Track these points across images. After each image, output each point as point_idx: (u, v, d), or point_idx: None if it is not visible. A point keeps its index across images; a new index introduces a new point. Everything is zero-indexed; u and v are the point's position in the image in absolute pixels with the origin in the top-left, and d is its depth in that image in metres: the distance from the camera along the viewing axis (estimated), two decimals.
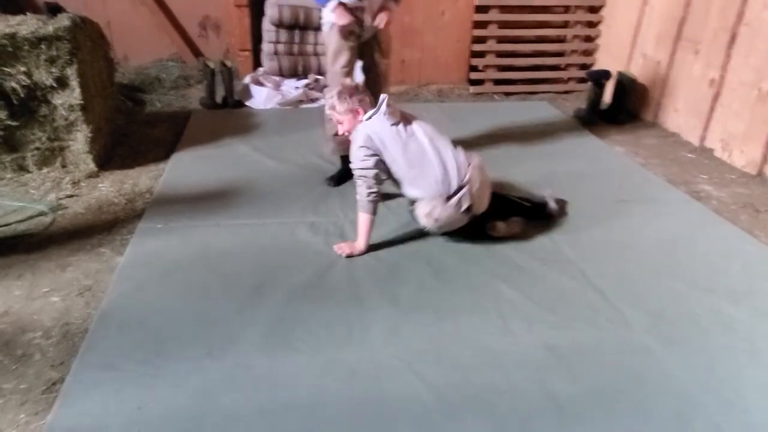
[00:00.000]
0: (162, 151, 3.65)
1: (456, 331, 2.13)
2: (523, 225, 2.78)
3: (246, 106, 4.54)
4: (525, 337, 2.10)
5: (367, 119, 2.59)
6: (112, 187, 3.17)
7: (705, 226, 2.94)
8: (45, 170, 3.24)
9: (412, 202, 2.64)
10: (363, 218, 2.58)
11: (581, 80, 4.99)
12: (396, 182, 2.65)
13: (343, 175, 3.27)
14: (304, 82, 4.78)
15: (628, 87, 4.35)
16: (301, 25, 4.84)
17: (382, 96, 2.62)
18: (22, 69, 2.98)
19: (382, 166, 2.55)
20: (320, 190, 3.18)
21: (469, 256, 2.60)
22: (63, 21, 3.09)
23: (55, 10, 3.22)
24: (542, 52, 5.05)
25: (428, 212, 2.52)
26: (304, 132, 4.02)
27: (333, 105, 2.64)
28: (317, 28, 4.89)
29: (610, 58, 4.85)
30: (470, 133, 3.99)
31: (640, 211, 3.06)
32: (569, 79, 5.10)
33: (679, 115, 4.12)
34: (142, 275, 2.39)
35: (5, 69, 2.96)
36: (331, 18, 3.02)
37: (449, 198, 2.52)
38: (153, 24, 5.19)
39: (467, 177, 2.54)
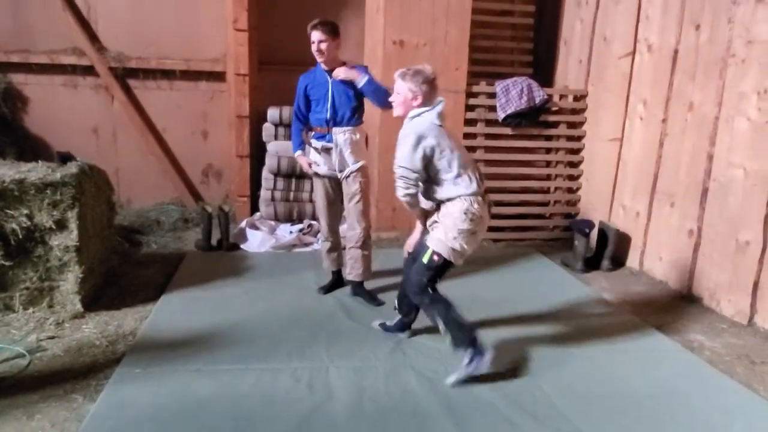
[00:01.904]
0: (152, 293, 3.65)
1: None
2: None
3: (240, 249, 4.64)
4: None
5: (415, 116, 2.67)
6: (96, 329, 3.12)
7: (701, 379, 2.86)
8: (31, 310, 3.22)
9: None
10: (414, 213, 2.83)
11: (566, 228, 5.16)
12: (431, 183, 2.70)
13: (334, 285, 3.81)
14: (298, 227, 4.94)
15: (611, 236, 4.50)
16: (297, 174, 5.14)
17: (441, 99, 2.73)
18: (25, 212, 3.10)
19: (428, 159, 2.62)
20: (307, 335, 3.14)
21: (456, 407, 2.49)
22: (71, 168, 3.27)
23: (66, 159, 3.43)
24: (527, 201, 5.29)
25: (466, 208, 2.62)
26: (295, 275, 4.06)
27: (404, 75, 2.69)
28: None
29: (592, 208, 5.08)
30: (459, 278, 4.02)
31: (634, 361, 2.99)
32: (554, 227, 5.29)
33: (664, 263, 4.21)
34: (110, 425, 2.26)
35: (8, 211, 3.07)
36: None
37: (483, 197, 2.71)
38: (159, 171, 5.50)
39: (483, 185, 2.75)
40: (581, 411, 2.51)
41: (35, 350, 2.85)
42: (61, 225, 3.17)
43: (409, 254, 2.97)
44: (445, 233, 2.66)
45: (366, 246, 3.58)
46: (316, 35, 3.34)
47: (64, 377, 2.63)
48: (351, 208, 3.55)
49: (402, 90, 2.70)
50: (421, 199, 2.77)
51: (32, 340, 2.95)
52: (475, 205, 2.66)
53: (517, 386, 2.69)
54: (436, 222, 2.74)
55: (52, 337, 3.00)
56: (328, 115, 3.44)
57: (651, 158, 4.32)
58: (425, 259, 2.69)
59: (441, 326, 2.69)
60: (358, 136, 3.50)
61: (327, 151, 3.50)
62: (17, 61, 5.09)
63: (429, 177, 2.69)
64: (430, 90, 2.69)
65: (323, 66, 3.45)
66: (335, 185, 3.60)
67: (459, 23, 4.88)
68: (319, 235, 4.83)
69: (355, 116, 3.48)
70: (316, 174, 3.60)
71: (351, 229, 3.59)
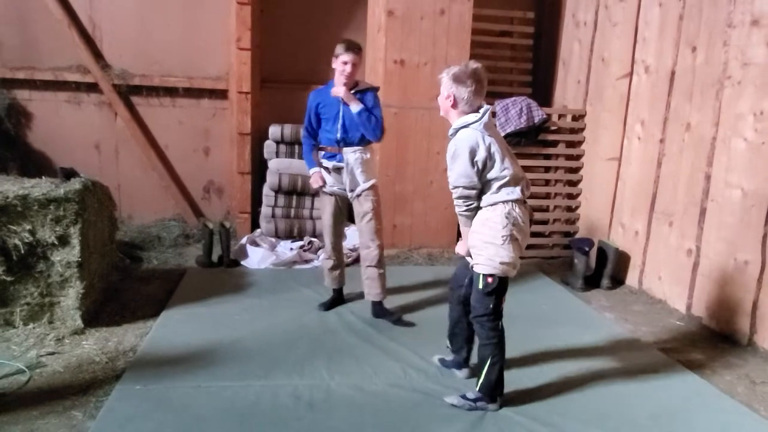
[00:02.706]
0: (152, 309, 3.65)
1: None
2: None
3: (241, 265, 4.65)
4: None
5: (461, 127, 2.54)
6: (96, 345, 3.12)
7: (702, 399, 2.86)
8: (31, 326, 3.21)
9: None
10: (465, 230, 2.66)
11: (566, 247, 5.18)
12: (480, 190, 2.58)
13: (335, 302, 3.80)
14: (299, 243, 4.95)
15: (610, 255, 4.51)
16: (299, 191, 5.16)
17: (486, 107, 2.57)
18: (28, 227, 3.11)
19: (480, 172, 2.52)
20: (307, 352, 3.13)
21: (456, 425, 2.49)
22: (74, 185, 3.29)
23: (69, 175, 3.45)
24: None
25: (507, 212, 2.52)
26: (296, 292, 4.06)
27: (447, 73, 2.54)
28: (314, 194, 5.22)
29: (591, 227, 5.10)
30: None
31: (635, 381, 2.99)
32: (554, 245, 5.31)
33: (663, 282, 4.23)
34: None
35: (11, 227, 3.09)
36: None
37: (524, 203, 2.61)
38: (160, 187, 5.53)
39: (528, 192, 2.64)
40: (580, 430, 2.50)
41: (35, 366, 2.84)
42: (63, 241, 3.18)
43: (455, 282, 2.89)
44: (486, 250, 2.54)
45: (381, 264, 3.56)
46: (348, 56, 3.33)
47: (64, 394, 2.62)
48: (363, 226, 3.53)
49: (443, 90, 2.59)
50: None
51: (32, 355, 2.95)
52: (517, 210, 2.54)
53: (516, 404, 2.68)
54: (474, 234, 2.60)
55: (52, 353, 3.00)
56: (339, 136, 3.44)
57: (649, 178, 4.36)
58: (480, 286, 2.58)
59: (485, 367, 2.60)
60: (368, 155, 3.50)
61: (337, 170, 3.51)
62: (22, 77, 5.14)
63: None
64: (466, 91, 2.51)
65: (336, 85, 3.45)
66: (343, 204, 3.61)
67: (459, 43, 4.95)
68: (320, 252, 4.84)
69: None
70: (323, 191, 3.60)
71: (365, 248, 3.56)
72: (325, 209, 3.66)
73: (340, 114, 3.43)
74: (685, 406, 2.76)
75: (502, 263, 2.54)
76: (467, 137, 2.52)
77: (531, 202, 5.20)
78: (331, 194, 3.58)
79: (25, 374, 2.76)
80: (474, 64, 2.57)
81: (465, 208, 2.58)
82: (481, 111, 2.56)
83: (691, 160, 3.97)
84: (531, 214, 2.68)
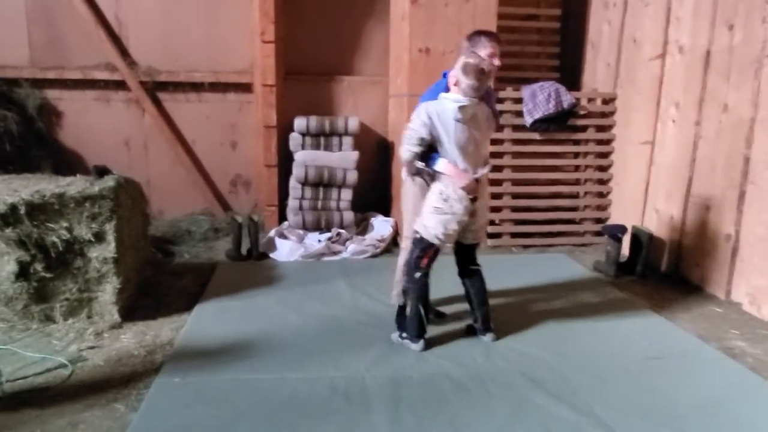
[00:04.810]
0: (186, 302, 3.70)
1: None
2: None
3: (270, 258, 4.68)
4: None
5: (444, 97, 2.92)
6: (134, 339, 3.17)
7: (745, 388, 2.78)
8: (70, 321, 3.28)
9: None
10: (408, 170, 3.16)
11: (597, 233, 5.09)
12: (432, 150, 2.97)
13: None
14: (327, 235, 4.96)
15: (644, 241, 4.42)
16: (325, 183, 5.16)
17: (468, 100, 2.86)
18: (65, 224, 3.17)
19: (428, 135, 2.91)
20: (341, 345, 3.14)
21: (495, 415, 2.47)
22: (108, 182, 3.34)
23: (102, 172, 3.50)
24: (557, 206, 5.24)
25: (441, 189, 2.94)
26: (325, 284, 4.07)
27: (463, 65, 2.84)
28: (340, 186, 5.21)
29: (623, 212, 5.00)
30: (489, 286, 3.98)
31: (674, 370, 2.93)
32: (585, 232, 5.22)
33: (701, 268, 4.12)
34: None
35: (49, 225, 3.15)
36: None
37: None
38: (188, 182, 5.59)
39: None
40: (623, 422, 2.46)
41: (77, 360, 2.91)
42: (99, 237, 3.23)
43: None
44: (424, 211, 3.01)
45: None
46: (495, 47, 3.06)
47: (105, 387, 2.67)
48: None
49: (455, 73, 2.92)
50: (418, 163, 3.00)
51: (73, 350, 3.01)
52: (450, 189, 2.92)
53: (555, 395, 2.65)
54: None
55: (92, 347, 3.06)
56: None
57: (685, 161, 4.24)
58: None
59: (407, 310, 3.08)
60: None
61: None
62: (52, 77, 5.23)
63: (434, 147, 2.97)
64: (478, 86, 2.87)
65: None
66: None
67: (485, 29, 4.86)
68: (348, 243, 4.84)
69: None
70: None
71: None
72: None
73: None
74: (729, 396, 2.69)
75: (425, 225, 3.00)
76: (439, 104, 2.92)
77: (560, 188, 5.20)
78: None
79: (67, 368, 2.82)
80: (474, 59, 2.87)
81: (406, 149, 2.94)
82: (462, 100, 2.86)
83: (728, 142, 3.85)
84: (474, 199, 2.96)
